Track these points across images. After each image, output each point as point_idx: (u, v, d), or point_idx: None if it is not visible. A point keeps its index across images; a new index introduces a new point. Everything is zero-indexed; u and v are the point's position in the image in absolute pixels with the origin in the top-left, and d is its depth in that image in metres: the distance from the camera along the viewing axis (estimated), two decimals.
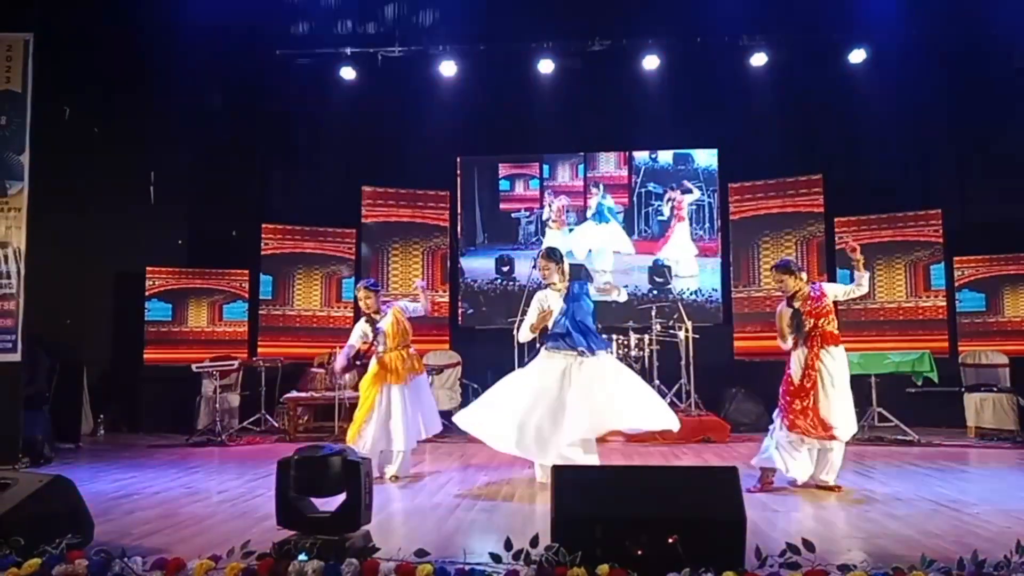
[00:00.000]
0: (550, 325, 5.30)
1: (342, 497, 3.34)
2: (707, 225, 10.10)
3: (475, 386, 9.55)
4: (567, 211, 10.22)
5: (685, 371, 8.35)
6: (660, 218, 10.15)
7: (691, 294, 9.95)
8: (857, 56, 9.32)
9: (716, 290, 9.98)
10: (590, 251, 10.15)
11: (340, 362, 6.04)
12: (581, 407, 5.09)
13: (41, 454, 6.79)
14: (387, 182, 10.19)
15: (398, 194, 10.22)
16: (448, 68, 9.72)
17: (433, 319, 9.85)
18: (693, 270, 10.00)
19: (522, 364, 8.44)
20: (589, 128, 10.21)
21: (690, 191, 10.05)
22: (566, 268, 5.43)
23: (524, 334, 5.51)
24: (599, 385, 5.17)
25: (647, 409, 5.17)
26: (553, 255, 5.45)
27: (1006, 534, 3.65)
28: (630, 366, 8.38)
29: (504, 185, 10.46)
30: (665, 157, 10.26)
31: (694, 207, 10.10)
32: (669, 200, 10.09)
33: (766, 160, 9.78)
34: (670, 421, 5.20)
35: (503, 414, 5.22)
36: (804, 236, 9.62)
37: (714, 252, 10.05)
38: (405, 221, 10.23)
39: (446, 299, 10.23)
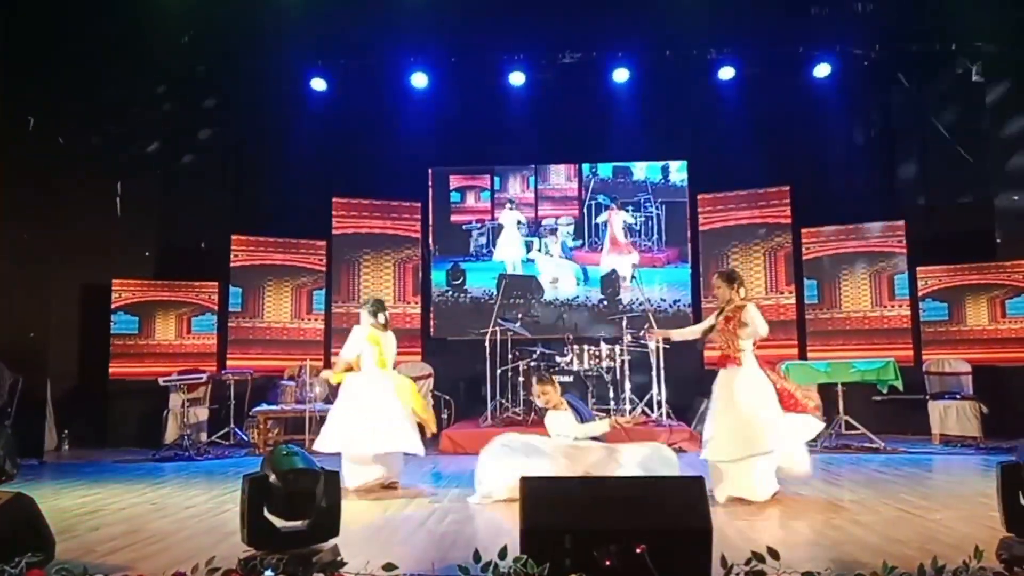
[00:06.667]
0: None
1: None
2: (655, 237, 10.23)
3: (447, 398, 9.54)
4: (520, 224, 10.25)
5: (656, 381, 8.40)
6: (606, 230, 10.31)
7: (664, 303, 10.03)
8: (822, 70, 9.50)
9: (678, 301, 10.08)
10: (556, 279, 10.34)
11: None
12: None
13: (2, 470, 6.62)
14: (358, 193, 10.17)
15: (369, 205, 10.20)
16: (419, 80, 9.74)
17: (405, 330, 9.83)
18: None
19: (494, 378, 8.49)
20: (558, 139, 10.27)
21: (625, 208, 10.16)
22: (557, 386, 5.65)
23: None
24: None
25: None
26: (549, 379, 5.66)
27: (968, 539, 3.70)
28: (601, 376, 8.53)
29: (485, 196, 10.52)
30: (640, 169, 10.35)
31: (642, 218, 10.20)
32: (607, 211, 10.17)
33: (735, 172, 9.90)
34: None
35: None
36: (772, 247, 9.75)
37: (665, 262, 10.17)
38: (376, 232, 10.20)
39: (418, 311, 10.20)
